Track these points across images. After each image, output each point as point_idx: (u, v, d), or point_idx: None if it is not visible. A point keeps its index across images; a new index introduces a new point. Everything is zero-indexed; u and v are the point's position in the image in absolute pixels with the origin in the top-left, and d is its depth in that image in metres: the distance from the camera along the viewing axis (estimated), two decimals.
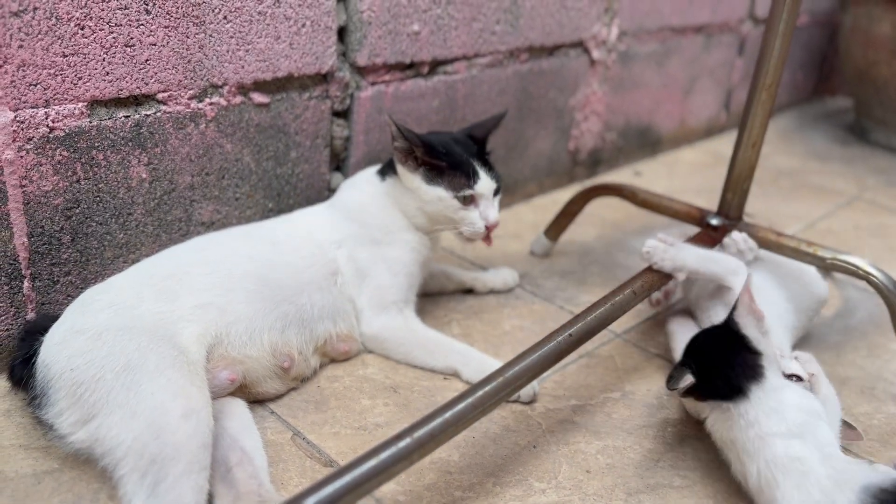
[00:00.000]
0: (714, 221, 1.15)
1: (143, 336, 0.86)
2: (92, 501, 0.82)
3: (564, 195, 1.44)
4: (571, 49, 1.61)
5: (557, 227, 1.40)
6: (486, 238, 1.09)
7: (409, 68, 1.32)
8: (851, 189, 1.96)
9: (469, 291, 1.29)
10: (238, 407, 0.93)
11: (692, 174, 1.95)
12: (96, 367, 0.82)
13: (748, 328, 0.87)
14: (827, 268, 1.09)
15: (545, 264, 1.42)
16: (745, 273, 1.05)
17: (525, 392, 1.02)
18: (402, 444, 0.70)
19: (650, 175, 1.92)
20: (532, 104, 1.57)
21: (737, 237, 1.11)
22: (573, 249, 1.48)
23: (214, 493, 0.81)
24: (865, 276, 1.07)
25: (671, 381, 0.87)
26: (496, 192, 1.09)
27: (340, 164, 1.29)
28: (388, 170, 1.12)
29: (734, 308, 0.88)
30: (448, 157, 1.06)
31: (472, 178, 1.05)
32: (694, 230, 1.18)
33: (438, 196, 1.06)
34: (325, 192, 1.27)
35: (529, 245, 1.46)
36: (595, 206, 1.55)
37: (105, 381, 0.81)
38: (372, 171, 1.14)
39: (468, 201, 1.06)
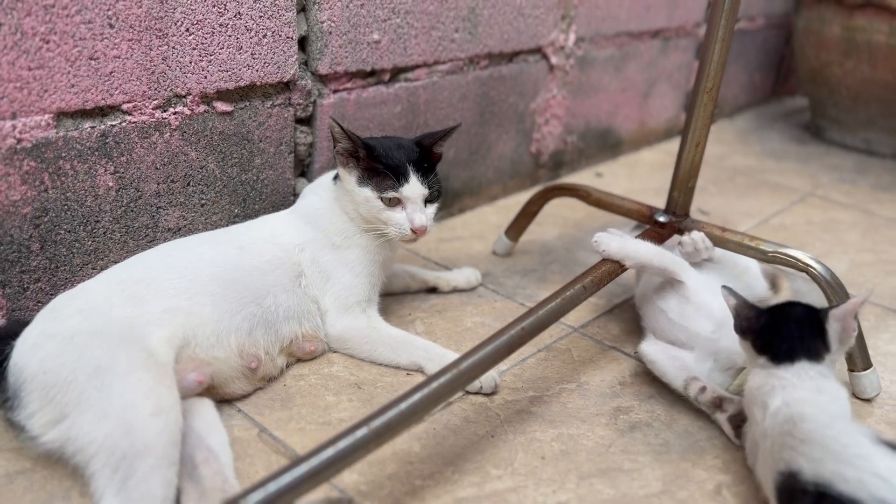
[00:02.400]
0: (662, 218, 1.21)
1: (114, 339, 0.89)
2: (64, 499, 0.85)
3: (527, 197, 1.48)
4: (530, 55, 1.66)
5: (517, 227, 1.45)
6: (413, 241, 1.11)
7: (371, 76, 1.36)
8: (805, 186, 2.03)
9: (433, 290, 1.34)
10: (205, 406, 0.96)
11: (652, 174, 2.01)
12: (68, 369, 0.85)
13: (832, 328, 0.90)
14: (769, 260, 1.15)
15: (507, 263, 1.46)
16: (689, 268, 1.11)
17: (487, 384, 1.06)
18: (360, 433, 0.74)
19: (611, 176, 1.98)
20: (493, 109, 1.62)
21: (695, 237, 1.16)
22: (534, 249, 1.52)
23: (181, 490, 0.84)
24: (805, 268, 1.12)
25: (742, 307, 0.93)
26: (430, 200, 1.11)
27: (305, 169, 1.33)
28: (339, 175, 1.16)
29: (835, 306, 0.90)
30: (384, 160, 1.09)
31: (399, 181, 1.08)
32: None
33: (366, 196, 1.09)
34: (290, 198, 1.30)
35: (492, 245, 1.51)
36: (556, 206, 1.60)
37: (77, 382, 0.84)
38: (328, 176, 1.18)
39: (394, 203, 1.09)
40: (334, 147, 1.11)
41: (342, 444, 0.72)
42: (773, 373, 0.89)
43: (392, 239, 1.12)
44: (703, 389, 1.01)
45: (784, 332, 0.90)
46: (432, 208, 1.13)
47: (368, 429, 0.75)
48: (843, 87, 2.31)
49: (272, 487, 0.67)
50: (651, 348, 1.09)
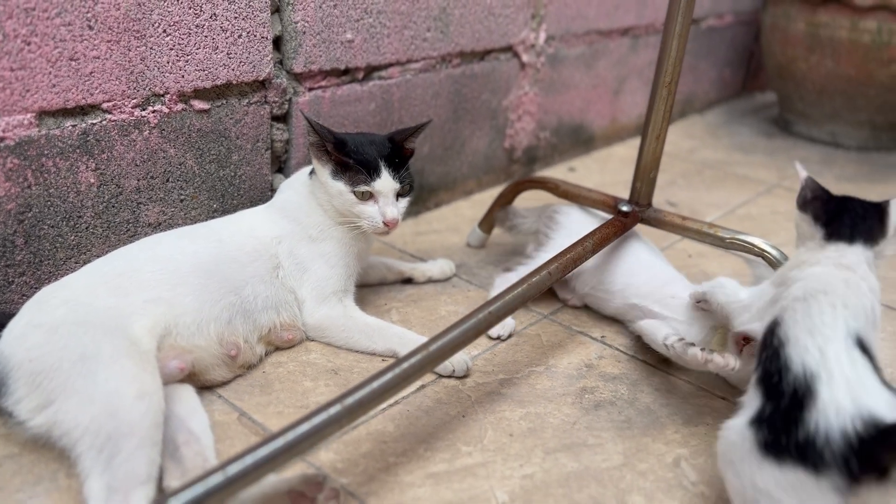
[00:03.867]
0: (625, 208, 1.26)
1: (98, 329, 0.93)
2: (51, 481, 0.88)
3: (501, 191, 1.53)
4: (502, 53, 1.71)
5: (490, 219, 1.50)
6: (385, 233, 1.15)
7: (345, 74, 1.40)
8: (772, 178, 2.10)
9: (409, 281, 1.38)
10: (186, 392, 1.00)
11: (623, 168, 2.06)
12: (54, 357, 0.89)
13: (893, 215, 0.91)
14: (726, 246, 1.20)
15: (481, 255, 1.51)
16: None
17: (459, 367, 1.11)
18: (333, 410, 0.79)
19: (584, 170, 2.03)
20: (467, 106, 1.67)
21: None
22: (507, 240, 1.57)
23: (164, 469, 0.87)
24: (760, 253, 1.18)
25: (811, 181, 0.95)
26: (402, 194, 1.15)
27: (282, 165, 1.37)
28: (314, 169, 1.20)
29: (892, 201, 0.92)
30: (355, 154, 1.12)
31: (371, 175, 1.12)
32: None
33: (339, 190, 1.13)
34: (267, 193, 1.34)
35: (466, 238, 1.56)
36: (528, 199, 1.65)
37: (62, 369, 0.88)
38: (306, 171, 1.22)
39: (366, 197, 1.12)
40: (308, 141, 1.15)
41: (317, 420, 0.76)
42: (822, 250, 0.91)
43: (365, 231, 1.16)
44: (681, 339, 1.06)
45: (849, 210, 0.92)
46: (404, 202, 1.17)
47: (342, 406, 0.79)
48: (808, 82, 2.38)
49: (249, 460, 0.72)
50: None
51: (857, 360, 0.78)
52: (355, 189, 1.12)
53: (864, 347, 0.80)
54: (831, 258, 0.90)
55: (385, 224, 1.13)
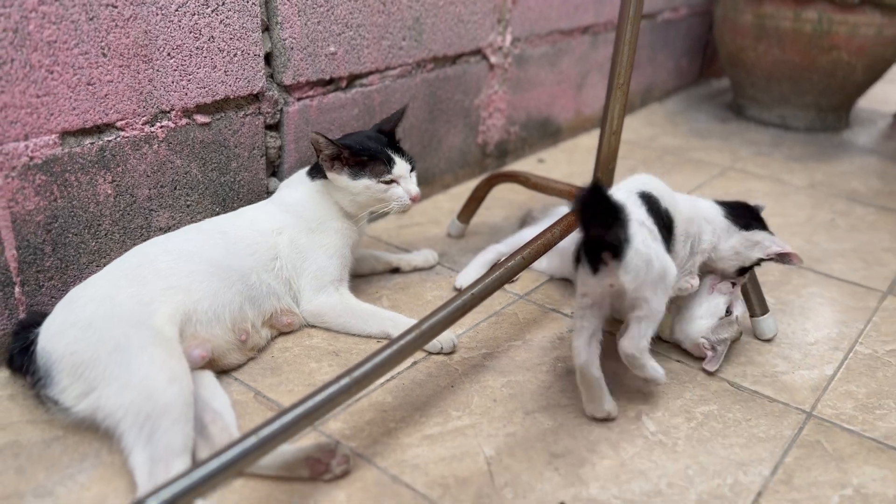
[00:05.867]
0: None
1: (125, 322, 1.05)
2: (95, 457, 1.01)
3: (477, 184, 1.67)
4: (472, 56, 1.84)
5: (468, 211, 1.64)
6: (409, 209, 1.32)
7: (330, 83, 1.53)
8: (726, 161, 2.26)
9: (396, 271, 1.52)
10: (207, 377, 1.13)
11: (589, 158, 2.20)
12: (91, 349, 1.01)
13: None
14: None
15: (461, 244, 1.65)
16: None
17: (446, 344, 1.25)
18: (343, 381, 0.92)
19: (552, 161, 2.18)
20: (441, 106, 1.80)
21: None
22: (484, 230, 1.71)
23: (195, 447, 1.01)
24: None
25: None
26: (412, 170, 1.33)
27: (276, 170, 1.50)
28: (314, 172, 1.33)
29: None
30: (367, 153, 1.28)
31: (389, 164, 1.28)
32: None
33: (365, 185, 1.28)
34: (263, 195, 1.47)
35: (447, 228, 1.70)
36: (502, 191, 1.79)
37: (100, 360, 1.01)
38: (303, 172, 1.36)
39: (390, 182, 1.29)
40: (317, 156, 1.29)
41: (332, 389, 0.90)
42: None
43: (394, 212, 1.31)
44: None
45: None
46: (415, 176, 1.34)
47: (350, 378, 0.93)
48: (757, 69, 2.54)
49: (277, 424, 0.85)
50: None
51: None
52: (381, 179, 1.28)
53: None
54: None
55: (412, 199, 1.30)
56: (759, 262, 1.28)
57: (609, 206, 0.97)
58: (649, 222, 1.10)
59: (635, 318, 1.06)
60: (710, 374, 1.24)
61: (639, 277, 1.01)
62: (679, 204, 1.24)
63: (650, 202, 1.16)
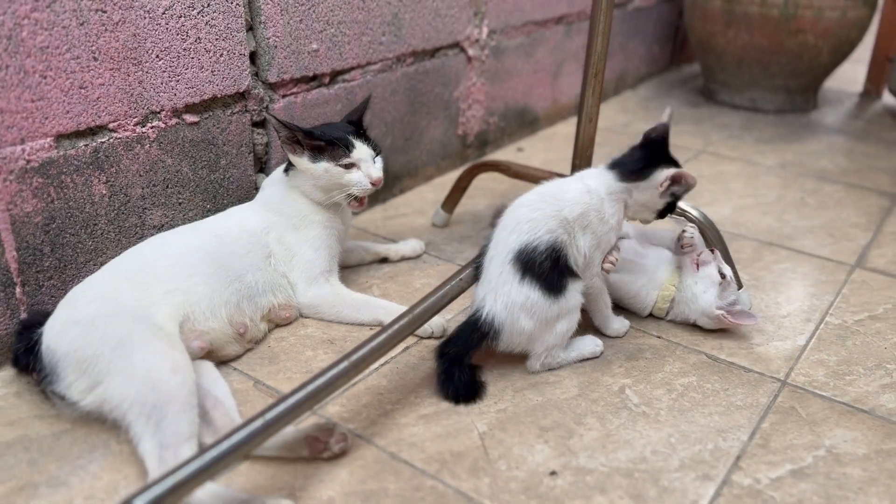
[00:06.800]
0: None
1: (127, 319, 1.09)
2: (104, 447, 1.05)
3: (459, 174, 1.72)
4: (450, 50, 1.89)
5: (451, 201, 1.68)
6: (371, 193, 1.32)
7: (313, 80, 1.57)
8: (698, 144, 2.33)
9: (385, 261, 1.56)
10: (207, 367, 1.17)
11: (566, 145, 2.27)
12: (95, 345, 1.05)
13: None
14: None
15: (446, 233, 1.70)
16: None
17: (437, 329, 1.30)
18: (342, 365, 0.97)
19: (531, 150, 2.23)
20: (422, 99, 1.85)
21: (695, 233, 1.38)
22: (468, 218, 1.76)
23: (199, 433, 1.05)
24: (682, 213, 1.39)
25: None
26: (377, 156, 1.34)
27: (263, 166, 1.54)
28: (290, 165, 1.36)
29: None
30: (325, 137, 1.30)
31: (348, 148, 1.30)
32: None
33: (325, 168, 1.29)
34: (252, 191, 1.51)
35: (431, 218, 1.74)
36: (484, 180, 1.84)
37: (104, 355, 1.04)
38: (280, 169, 1.39)
39: (350, 167, 1.30)
40: (279, 138, 1.31)
41: (332, 372, 0.95)
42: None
43: (356, 195, 1.31)
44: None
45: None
46: (380, 162, 1.35)
47: (349, 361, 0.98)
48: (727, 54, 2.61)
49: (282, 407, 0.90)
50: None
51: None
52: (339, 162, 1.29)
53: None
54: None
55: (372, 184, 1.31)
56: (672, 198, 1.22)
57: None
58: (516, 290, 1.15)
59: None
60: (712, 333, 1.30)
61: (512, 343, 1.20)
62: (569, 210, 1.18)
63: (527, 261, 1.15)
